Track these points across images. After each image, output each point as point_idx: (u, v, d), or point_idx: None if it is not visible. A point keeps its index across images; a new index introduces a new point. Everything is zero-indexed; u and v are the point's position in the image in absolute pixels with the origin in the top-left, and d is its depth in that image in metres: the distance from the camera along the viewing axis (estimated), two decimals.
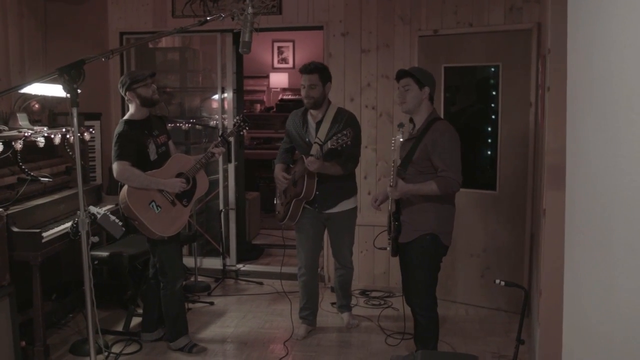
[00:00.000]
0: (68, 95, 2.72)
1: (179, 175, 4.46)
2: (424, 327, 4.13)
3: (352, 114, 4.81)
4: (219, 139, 4.61)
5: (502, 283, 3.91)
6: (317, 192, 4.62)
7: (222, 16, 3.41)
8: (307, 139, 4.68)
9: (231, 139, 4.94)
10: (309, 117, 4.76)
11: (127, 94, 4.42)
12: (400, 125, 3.92)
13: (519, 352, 3.89)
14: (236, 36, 6.23)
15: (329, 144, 4.28)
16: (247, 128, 4.82)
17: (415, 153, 3.95)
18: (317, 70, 4.63)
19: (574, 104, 1.77)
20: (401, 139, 3.89)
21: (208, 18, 3.33)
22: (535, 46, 5.08)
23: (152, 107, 4.51)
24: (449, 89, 5.58)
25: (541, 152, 4.25)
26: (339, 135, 4.23)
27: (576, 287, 1.84)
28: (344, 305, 5.19)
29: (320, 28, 6.08)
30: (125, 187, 4.30)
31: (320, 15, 6.02)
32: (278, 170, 4.81)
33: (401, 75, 4.06)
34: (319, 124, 4.67)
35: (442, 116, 5.44)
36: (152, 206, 4.31)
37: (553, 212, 3.02)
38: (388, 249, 4.16)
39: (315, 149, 4.39)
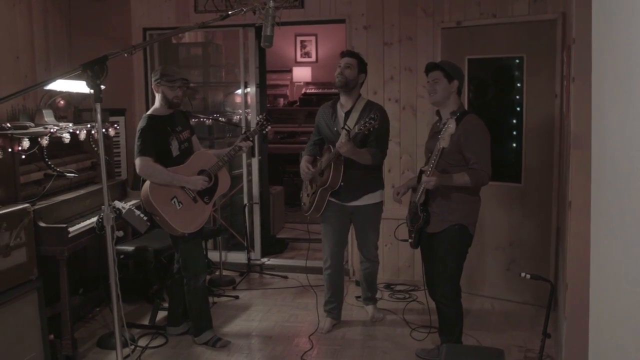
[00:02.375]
0: (91, 91, 2.74)
1: (201, 172, 4.46)
2: (449, 317, 4.14)
3: (381, 106, 4.82)
4: (244, 136, 4.62)
5: (528, 276, 3.87)
6: (342, 183, 4.61)
7: (243, 10, 3.41)
8: (335, 129, 4.68)
9: (253, 138, 4.91)
10: (338, 107, 4.77)
11: (154, 85, 4.46)
12: (453, 113, 3.84)
13: (545, 346, 3.86)
14: (258, 30, 6.24)
15: (356, 129, 4.30)
16: (269, 127, 4.81)
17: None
18: (356, 56, 4.73)
19: (599, 94, 1.74)
20: (452, 129, 3.86)
21: (229, 12, 3.33)
22: (560, 37, 5.01)
23: (170, 108, 4.51)
24: (473, 81, 5.53)
25: (567, 144, 4.20)
26: (367, 119, 4.24)
27: (603, 280, 1.81)
28: (369, 297, 5.18)
29: (342, 21, 6.06)
30: (148, 182, 4.32)
31: (342, 9, 6.00)
32: (304, 161, 4.82)
33: (430, 68, 4.10)
34: (347, 114, 4.68)
35: (466, 108, 5.41)
36: (174, 202, 4.32)
37: (579, 204, 2.99)
38: (410, 240, 4.17)
39: (343, 135, 4.39)
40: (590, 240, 2.10)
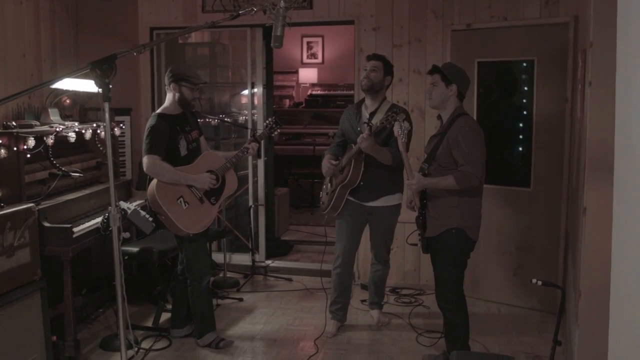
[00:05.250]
0: (100, 90, 2.69)
1: (208, 172, 4.42)
2: (452, 324, 4.09)
3: (406, 109, 4.77)
4: (252, 138, 4.60)
5: (539, 282, 3.80)
6: (362, 183, 4.58)
7: (254, 10, 3.37)
8: (358, 129, 4.66)
9: (262, 140, 4.86)
10: (363, 109, 4.77)
11: (171, 84, 4.41)
12: (400, 116, 3.96)
13: (555, 353, 3.81)
14: (266, 31, 6.21)
15: (377, 123, 4.29)
16: (278, 130, 4.79)
17: (438, 149, 3.95)
18: (382, 60, 4.71)
19: (624, 98, 1.69)
20: (400, 130, 3.89)
21: (240, 12, 3.29)
22: (572, 40, 4.96)
23: (184, 109, 4.48)
24: (483, 84, 5.48)
25: (578, 148, 4.14)
26: (390, 113, 4.24)
27: (626, 290, 1.76)
28: (375, 302, 5.13)
29: (351, 23, 6.01)
30: (154, 181, 4.27)
31: (351, 10, 5.96)
32: (326, 159, 4.79)
33: (432, 71, 4.06)
34: (372, 115, 4.66)
35: (475, 111, 5.39)
36: (180, 202, 4.28)
37: (596, 211, 2.93)
38: (419, 245, 4.13)
39: (365, 130, 4.36)
40: (609, 247, 2.05)
